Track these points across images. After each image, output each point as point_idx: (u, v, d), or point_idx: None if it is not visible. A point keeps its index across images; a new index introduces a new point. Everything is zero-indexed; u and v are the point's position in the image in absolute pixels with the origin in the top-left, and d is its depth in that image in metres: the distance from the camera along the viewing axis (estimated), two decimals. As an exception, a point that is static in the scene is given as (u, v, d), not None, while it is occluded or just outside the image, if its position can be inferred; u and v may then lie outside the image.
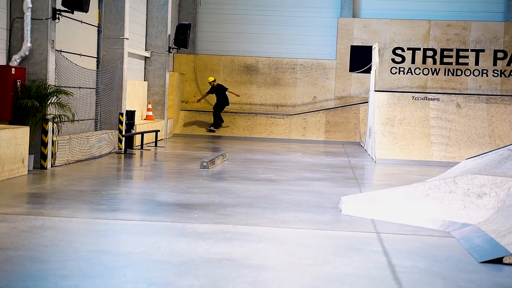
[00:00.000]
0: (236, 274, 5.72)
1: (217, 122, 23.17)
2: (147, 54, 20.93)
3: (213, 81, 22.82)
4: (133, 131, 17.05)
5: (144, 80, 21.02)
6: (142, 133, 17.39)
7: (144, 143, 17.49)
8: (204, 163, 13.36)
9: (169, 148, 18.55)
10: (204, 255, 6.30)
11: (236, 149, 18.55)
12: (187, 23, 21.82)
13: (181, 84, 23.54)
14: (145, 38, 20.97)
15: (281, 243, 7.08)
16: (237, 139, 22.29)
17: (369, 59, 20.61)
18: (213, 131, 23.01)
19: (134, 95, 19.33)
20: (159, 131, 19.11)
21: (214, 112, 23.15)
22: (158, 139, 18.74)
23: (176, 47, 21.69)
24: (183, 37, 21.39)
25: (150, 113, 20.48)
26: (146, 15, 20.95)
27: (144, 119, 20.23)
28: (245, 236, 7.29)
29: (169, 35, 21.30)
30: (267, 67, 23.95)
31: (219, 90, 22.84)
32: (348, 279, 5.71)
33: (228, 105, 23.08)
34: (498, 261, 6.37)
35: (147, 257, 6.18)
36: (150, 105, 20.65)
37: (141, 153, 16.50)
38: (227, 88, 22.94)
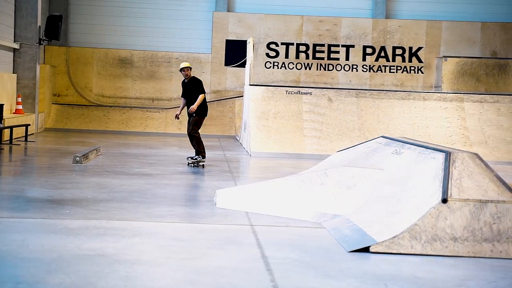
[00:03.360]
0: (109, 269, 5.63)
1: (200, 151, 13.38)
2: (16, 46, 20.26)
3: (186, 68, 13.49)
4: (0, 126, 16.47)
5: (13, 73, 20.33)
6: (11, 128, 16.83)
7: (13, 137, 16.93)
8: (77, 158, 13.10)
9: (41, 142, 18.04)
10: (75, 252, 6.17)
11: (111, 143, 18.28)
12: (58, 14, 21.27)
13: (52, 77, 22.95)
14: (13, 29, 20.28)
15: (156, 237, 7.03)
16: (111, 133, 21.97)
17: (244, 54, 20.78)
18: (198, 163, 13.36)
19: (2, 88, 18.67)
20: (29, 125, 18.56)
21: (194, 133, 13.43)
22: (28, 133, 18.20)
23: (47, 39, 21.10)
24: (54, 29, 20.84)
25: (20, 107, 19.84)
26: (15, 5, 20.26)
27: (14, 113, 19.58)
28: (119, 231, 7.19)
29: (40, 26, 20.69)
30: (142, 61, 23.72)
31: (193, 88, 13.59)
32: (222, 272, 5.74)
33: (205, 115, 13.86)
34: (366, 250, 6.58)
35: (15, 255, 5.99)
36: (20, 98, 20.01)
37: (10, 148, 15.97)
38: (203, 90, 13.65)
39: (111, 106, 23.14)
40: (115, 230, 7.22)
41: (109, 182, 10.88)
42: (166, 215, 8.25)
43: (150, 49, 23.74)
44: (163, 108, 23.23)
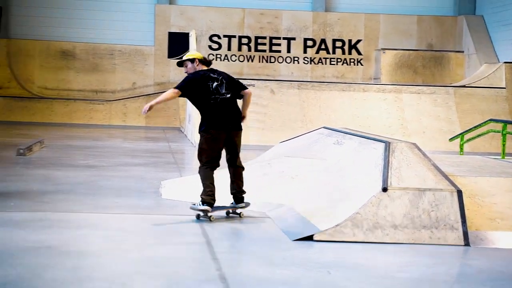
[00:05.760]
0: (55, 261, 5.57)
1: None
2: (-43, 38, 19.79)
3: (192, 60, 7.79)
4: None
5: (-46, 65, 19.85)
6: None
7: (-45, 130, 16.56)
8: (21, 150, 12.89)
9: (-17, 135, 17.69)
10: (21, 244, 6.08)
11: (55, 135, 18.00)
12: (-2, 6, 20.87)
13: (-7, 69, 22.51)
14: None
15: (102, 229, 6.97)
16: (55, 125, 21.61)
17: (187, 46, 20.66)
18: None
19: None
20: (-29, 118, 18.17)
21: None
22: (-30, 126, 17.83)
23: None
24: (-5, 21, 20.44)
25: (-39, 100, 19.41)
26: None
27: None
28: (65, 223, 7.12)
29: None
30: (84, 53, 23.38)
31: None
32: (169, 262, 5.72)
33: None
34: (310, 238, 6.63)
35: (-40, 249, 5.88)
36: (-39, 91, 19.58)
37: (-48, 141, 15.64)
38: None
39: (54, 99, 22.77)
40: (61, 222, 7.15)
41: (54, 174, 10.73)
42: (112, 207, 8.18)
43: (92, 42, 23.40)
44: (107, 100, 22.96)
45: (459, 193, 6.87)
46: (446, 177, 7.09)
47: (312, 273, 5.53)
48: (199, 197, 7.42)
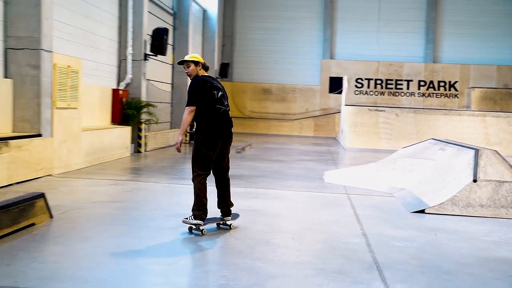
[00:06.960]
0: (259, 219, 5.73)
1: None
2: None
3: (192, 64, 5.26)
4: (194, 129, 17.03)
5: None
6: (199, 131, 17.36)
7: (201, 137, 17.44)
8: (239, 150, 13.36)
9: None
10: (239, 207, 6.32)
11: (259, 141, 18.51)
12: (227, 62, 21.78)
13: (223, 100, 23.47)
14: (201, 72, 20.92)
15: (287, 200, 7.08)
16: (259, 135, 22.24)
17: (341, 85, 20.48)
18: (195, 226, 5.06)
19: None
20: (210, 130, 19.07)
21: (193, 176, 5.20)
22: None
23: (220, 77, 21.67)
24: (224, 71, 21.38)
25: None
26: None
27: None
28: (264, 195, 7.30)
29: (216, 69, 21.28)
30: (276, 90, 23.86)
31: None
32: (329, 223, 5.71)
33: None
34: (422, 211, 6.36)
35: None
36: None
37: (199, 143, 16.46)
38: (189, 100, 5.20)
39: (258, 118, 23.43)
40: (262, 195, 7.33)
41: (258, 165, 11.02)
42: (293, 186, 8.27)
43: (282, 83, 23.82)
44: (289, 120, 23.28)
45: (530, 185, 6.29)
46: (520, 174, 6.51)
47: (424, 234, 5.31)
48: (191, 211, 5.11)
